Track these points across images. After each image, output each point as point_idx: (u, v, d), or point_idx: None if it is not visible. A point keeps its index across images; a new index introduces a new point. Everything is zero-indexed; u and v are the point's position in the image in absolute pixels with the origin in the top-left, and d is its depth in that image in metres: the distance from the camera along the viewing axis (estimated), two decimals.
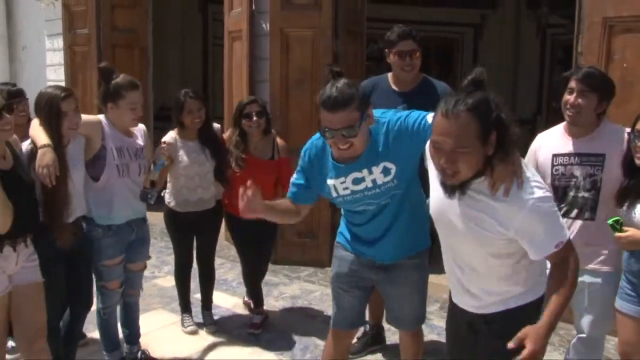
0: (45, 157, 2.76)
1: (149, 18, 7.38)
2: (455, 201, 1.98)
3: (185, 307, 4.13)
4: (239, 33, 5.53)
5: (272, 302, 4.54)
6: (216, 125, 3.98)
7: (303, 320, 4.27)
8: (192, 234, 3.97)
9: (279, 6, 5.27)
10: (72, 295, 3.19)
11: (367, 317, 3.68)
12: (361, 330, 3.78)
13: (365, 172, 2.44)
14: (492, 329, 2.10)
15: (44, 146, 2.79)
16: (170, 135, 3.78)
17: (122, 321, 3.55)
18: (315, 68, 5.15)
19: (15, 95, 3.76)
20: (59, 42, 7.76)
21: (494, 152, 1.86)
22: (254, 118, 3.82)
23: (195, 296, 4.22)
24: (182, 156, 3.74)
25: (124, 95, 3.16)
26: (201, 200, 3.85)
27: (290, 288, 4.88)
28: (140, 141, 3.36)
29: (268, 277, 4.78)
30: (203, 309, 4.14)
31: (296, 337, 3.94)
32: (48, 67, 8.07)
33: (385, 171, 2.43)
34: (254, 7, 5.43)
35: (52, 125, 2.87)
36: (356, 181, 2.46)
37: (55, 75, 7.84)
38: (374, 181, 2.45)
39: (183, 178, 3.78)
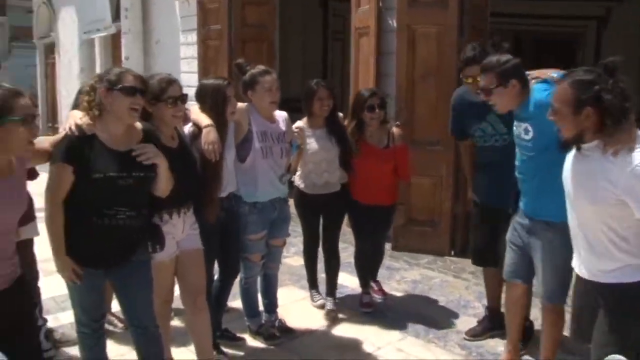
0: (210, 135, 3.14)
1: (277, 14, 7.80)
2: (574, 161, 2.39)
3: (313, 283, 4.43)
4: (366, 29, 5.78)
5: (395, 286, 4.78)
6: (339, 114, 4.17)
7: (425, 303, 4.48)
8: (319, 215, 4.21)
9: (406, 3, 5.46)
10: (222, 264, 3.58)
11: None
12: (482, 314, 3.95)
13: (519, 125, 3.05)
14: (608, 303, 2.31)
15: (208, 126, 3.17)
16: (298, 124, 4.03)
17: (262, 291, 3.91)
18: (440, 64, 5.31)
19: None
20: (193, 37, 8.35)
21: (608, 122, 2.21)
22: (377, 110, 4.00)
23: (322, 275, 4.50)
24: (311, 143, 3.99)
25: (258, 81, 3.53)
26: (327, 183, 4.08)
27: (410, 273, 5.09)
28: (282, 126, 3.71)
29: (389, 262, 5.03)
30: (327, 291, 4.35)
31: (419, 318, 4.14)
32: (182, 60, 8.69)
33: (526, 131, 2.99)
34: (381, 4, 5.66)
35: (220, 109, 3.24)
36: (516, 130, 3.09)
37: (188, 67, 8.44)
38: (519, 134, 3.04)
39: (311, 164, 4.03)
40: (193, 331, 3.28)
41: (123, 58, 10.37)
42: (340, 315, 4.21)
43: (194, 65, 8.27)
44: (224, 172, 3.28)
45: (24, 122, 2.17)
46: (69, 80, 12.45)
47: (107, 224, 2.61)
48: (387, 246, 5.25)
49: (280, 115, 3.75)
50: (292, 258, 5.20)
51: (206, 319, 3.22)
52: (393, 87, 5.52)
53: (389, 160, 4.09)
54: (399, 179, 4.18)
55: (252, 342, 3.81)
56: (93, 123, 2.60)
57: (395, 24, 5.57)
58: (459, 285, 4.76)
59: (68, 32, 13.07)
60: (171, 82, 2.93)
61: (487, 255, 3.71)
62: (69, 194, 2.61)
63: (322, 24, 10.21)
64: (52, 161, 2.57)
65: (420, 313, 4.25)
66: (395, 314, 4.24)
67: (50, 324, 3.77)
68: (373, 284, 4.47)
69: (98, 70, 12.00)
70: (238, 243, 3.58)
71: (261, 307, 3.94)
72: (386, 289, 4.56)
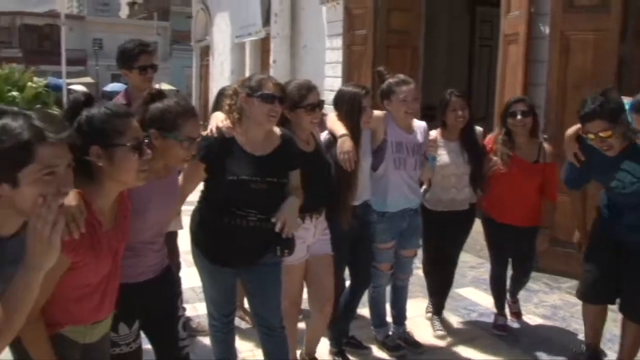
0: (345, 145, 3.12)
1: (422, 20, 7.68)
2: None
3: (436, 307, 4.18)
4: (515, 36, 5.50)
5: (532, 309, 4.50)
6: (478, 129, 3.94)
7: (564, 332, 4.16)
8: (440, 233, 3.93)
9: (561, 8, 5.12)
10: (353, 272, 3.56)
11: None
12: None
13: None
14: None
15: (343, 135, 3.15)
16: (432, 134, 3.83)
17: (390, 302, 3.84)
18: (596, 73, 4.92)
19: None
20: (338, 42, 8.46)
21: None
22: (518, 117, 3.75)
23: (456, 290, 4.33)
24: (442, 156, 3.76)
25: (394, 91, 3.44)
26: (454, 200, 3.85)
27: (550, 297, 4.77)
28: (419, 137, 3.60)
29: (528, 284, 4.73)
30: (433, 314, 4.15)
31: (556, 347, 3.85)
32: (326, 65, 8.84)
33: None
34: (533, 9, 5.36)
35: (354, 118, 3.23)
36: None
37: (332, 72, 8.57)
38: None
39: (439, 176, 3.82)
40: (309, 329, 3.33)
41: (271, 61, 10.77)
42: (470, 334, 4.03)
43: (338, 70, 8.39)
44: (359, 180, 3.26)
45: (183, 142, 2.28)
46: (220, 81, 13.16)
47: (239, 224, 2.68)
48: None
49: (419, 125, 3.65)
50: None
51: (324, 324, 3.27)
52: (542, 97, 5.20)
53: (537, 176, 3.82)
54: (544, 198, 3.88)
55: (377, 352, 3.76)
56: (232, 126, 2.69)
57: (547, 30, 5.25)
58: None
59: (222, 36, 13.85)
60: (310, 88, 2.96)
61: (601, 291, 3.38)
62: (205, 193, 2.74)
63: (469, 30, 9.89)
64: None
65: (559, 342, 3.95)
66: (530, 339, 3.98)
67: (188, 313, 3.96)
68: (510, 304, 4.23)
69: (247, 72, 12.60)
70: (369, 251, 3.54)
71: (389, 318, 3.86)
72: (522, 311, 4.31)
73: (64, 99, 12.84)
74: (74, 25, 39.86)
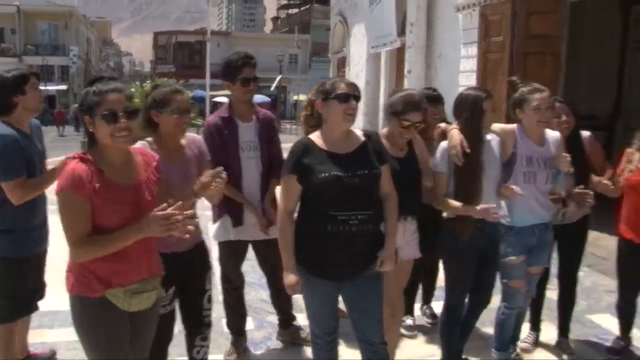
0: (453, 138, 3.12)
1: (565, 23, 7.22)
2: None
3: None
4: None
5: None
6: (585, 133, 3.66)
7: None
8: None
9: None
10: (474, 289, 3.34)
11: None
12: None
13: None
14: None
15: (452, 130, 3.16)
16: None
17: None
18: None
19: (434, 100, 3.94)
20: (473, 50, 8.18)
21: None
22: None
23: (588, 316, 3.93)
24: None
25: (527, 99, 3.26)
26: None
27: None
28: (552, 149, 3.32)
29: None
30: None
31: None
32: (461, 74, 8.58)
33: None
34: None
35: (474, 122, 3.13)
36: None
37: (467, 81, 8.28)
38: None
39: None
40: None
41: (405, 71, 10.63)
42: None
43: (472, 78, 8.12)
44: (483, 189, 3.11)
45: (175, 112, 2.84)
46: None
47: (342, 231, 2.61)
48: None
49: (552, 136, 3.38)
50: (554, 291, 4.67)
51: (397, 330, 3.30)
52: None
53: None
54: None
55: None
56: (308, 135, 2.80)
57: None
58: None
59: (358, 47, 13.94)
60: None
61: None
62: (303, 204, 2.73)
63: (621, 32, 9.10)
64: (281, 175, 2.77)
65: None
66: None
67: (300, 322, 3.94)
68: None
69: (382, 83, 12.55)
70: (494, 268, 3.33)
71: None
72: None
73: (207, 110, 13.60)
74: (221, 40, 42.34)
